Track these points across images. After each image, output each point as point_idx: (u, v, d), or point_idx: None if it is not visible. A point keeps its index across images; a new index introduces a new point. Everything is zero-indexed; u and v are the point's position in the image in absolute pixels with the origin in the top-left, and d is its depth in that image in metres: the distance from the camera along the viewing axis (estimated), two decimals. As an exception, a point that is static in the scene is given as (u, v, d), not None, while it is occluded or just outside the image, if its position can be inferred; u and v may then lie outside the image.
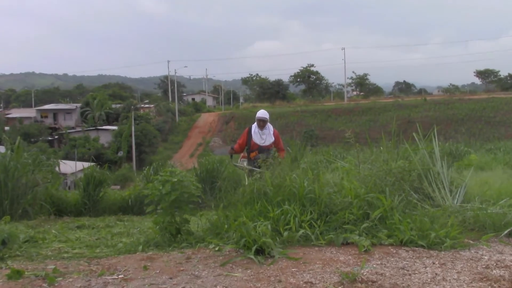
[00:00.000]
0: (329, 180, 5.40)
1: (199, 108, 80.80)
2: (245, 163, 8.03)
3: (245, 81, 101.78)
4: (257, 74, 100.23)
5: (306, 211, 4.70)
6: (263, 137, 7.84)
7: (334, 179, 5.48)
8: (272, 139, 7.84)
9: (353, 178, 5.46)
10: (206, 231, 4.95)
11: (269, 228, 4.34)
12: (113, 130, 58.42)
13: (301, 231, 4.42)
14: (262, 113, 7.93)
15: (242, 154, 8.31)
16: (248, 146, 7.92)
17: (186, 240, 4.78)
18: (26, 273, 3.75)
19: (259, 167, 6.93)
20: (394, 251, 4.16)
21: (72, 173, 22.75)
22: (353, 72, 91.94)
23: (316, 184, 5.03)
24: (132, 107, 58.64)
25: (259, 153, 7.65)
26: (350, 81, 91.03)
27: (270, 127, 7.96)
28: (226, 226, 4.71)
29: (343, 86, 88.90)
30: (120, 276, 3.70)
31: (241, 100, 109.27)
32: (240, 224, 4.35)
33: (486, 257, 4.08)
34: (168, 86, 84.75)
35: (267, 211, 4.75)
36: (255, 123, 8.02)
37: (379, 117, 58.40)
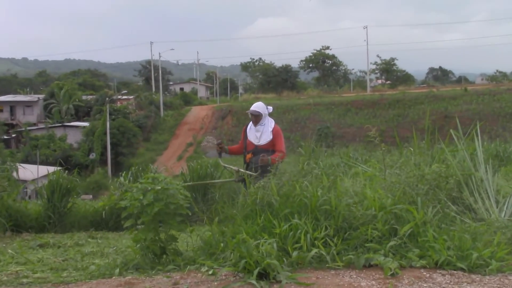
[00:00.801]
0: (348, 188, 5.40)
1: (189, 100, 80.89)
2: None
3: (245, 67, 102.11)
4: (260, 59, 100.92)
5: (320, 226, 4.70)
6: (257, 134, 7.69)
7: (355, 187, 5.48)
8: (269, 137, 7.63)
9: (378, 185, 5.46)
10: (197, 251, 4.96)
11: (274, 247, 4.34)
12: (84, 127, 58.49)
13: (314, 250, 4.42)
14: (254, 106, 7.81)
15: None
16: (244, 146, 7.84)
17: (173, 261, 4.78)
18: (-23, 301, 3.76)
19: (256, 171, 6.93)
20: (427, 275, 4.16)
21: (34, 180, 22.75)
22: (378, 56, 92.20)
23: (333, 193, 5.03)
24: (107, 99, 58.66)
25: (254, 155, 7.51)
26: (374, 67, 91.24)
27: (269, 122, 7.75)
28: (222, 244, 4.72)
29: (366, 73, 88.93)
30: (92, 305, 3.71)
31: (240, 91, 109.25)
32: (239, 242, 4.35)
33: (540, 283, 4.07)
34: (151, 73, 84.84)
35: (272, 226, 4.75)
36: None
37: (409, 111, 58.41)
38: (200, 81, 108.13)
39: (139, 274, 4.59)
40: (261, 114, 7.70)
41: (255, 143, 7.65)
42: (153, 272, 4.59)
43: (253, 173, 6.84)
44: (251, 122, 7.83)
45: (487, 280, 4.08)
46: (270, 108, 7.89)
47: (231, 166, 7.92)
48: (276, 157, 6.99)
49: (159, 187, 4.85)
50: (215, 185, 10.32)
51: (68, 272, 5.17)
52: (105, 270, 4.87)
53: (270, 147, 7.54)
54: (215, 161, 11.55)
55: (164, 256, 4.92)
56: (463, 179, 5.90)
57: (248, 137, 7.77)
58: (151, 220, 4.81)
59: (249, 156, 7.63)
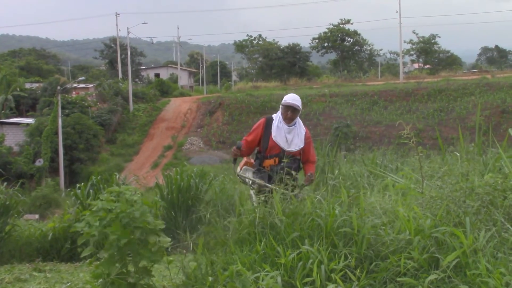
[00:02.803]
0: (374, 205, 5.42)
1: (166, 89, 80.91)
2: (249, 174, 7.71)
3: (240, 46, 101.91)
4: (260, 36, 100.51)
5: (337, 255, 4.71)
6: (289, 137, 7.59)
7: (383, 204, 5.49)
8: (302, 143, 7.61)
9: (413, 202, 5.46)
10: (178, 287, 4.96)
11: (278, 282, 4.36)
12: (28, 124, 58.30)
13: (330, 286, 4.43)
14: (291, 97, 7.66)
15: (244, 161, 7.94)
16: (264, 148, 7.70)
17: (146, 301, 4.80)
18: None
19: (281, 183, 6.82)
20: (479, 319, 4.16)
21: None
22: (414, 32, 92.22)
23: (354, 211, 5.04)
24: (59, 87, 58.48)
25: (279, 163, 7.38)
26: (408, 46, 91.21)
27: (300, 123, 7.73)
28: (210, 278, 4.73)
29: (398, 55, 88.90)
30: None
31: (234, 77, 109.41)
32: (233, 276, 4.36)
33: None
34: (116, 55, 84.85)
35: (275, 255, 4.77)
36: (279, 113, 7.79)
37: (455, 105, 58.42)
38: (181, 65, 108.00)
39: (101, 317, 4.59)
40: (300, 110, 7.64)
41: (284, 147, 7.53)
42: (120, 315, 4.59)
43: (276, 186, 6.71)
44: (277, 117, 7.72)
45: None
46: None
47: (252, 178, 7.56)
48: (314, 172, 7.05)
49: (119, 210, 4.77)
50: (201, 202, 10.35)
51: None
52: (57, 313, 4.88)
53: (298, 155, 7.54)
54: (201, 169, 11.57)
55: (134, 294, 4.93)
56: (526, 194, 5.91)
57: (274, 137, 7.61)
58: (116, 248, 4.78)
59: (270, 162, 7.50)
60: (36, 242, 10.67)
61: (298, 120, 7.73)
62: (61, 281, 7.57)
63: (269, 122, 7.76)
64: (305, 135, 7.69)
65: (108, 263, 4.85)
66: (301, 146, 7.59)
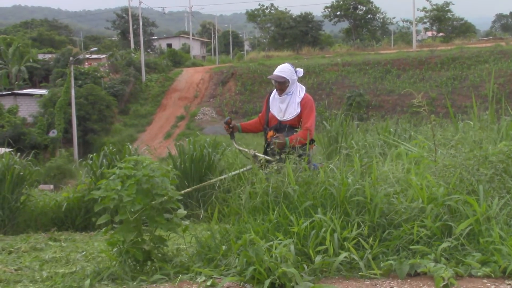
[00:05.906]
0: (387, 174, 5.40)
1: (179, 59, 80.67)
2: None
3: (252, 16, 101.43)
4: (272, 5, 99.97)
5: (350, 223, 4.72)
6: (282, 106, 7.55)
7: (396, 173, 5.47)
8: (296, 110, 7.49)
9: (426, 170, 5.44)
10: (192, 256, 4.98)
11: (292, 250, 4.37)
12: (41, 95, 58.34)
13: (343, 254, 4.44)
14: (278, 69, 7.61)
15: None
16: (266, 120, 7.75)
17: (161, 269, 4.81)
18: None
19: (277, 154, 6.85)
20: (492, 286, 4.16)
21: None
22: (427, 0, 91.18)
23: (367, 180, 5.03)
24: (71, 58, 58.34)
25: (277, 133, 7.41)
26: (421, 14, 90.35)
27: (297, 91, 7.60)
28: (223, 247, 4.74)
29: (411, 23, 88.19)
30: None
31: (246, 47, 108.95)
32: (246, 244, 4.37)
33: None
34: (128, 25, 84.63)
35: (288, 224, 4.78)
36: None
37: (468, 73, 57.94)
38: (193, 35, 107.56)
39: (116, 286, 4.61)
40: (288, 80, 7.51)
41: (279, 118, 7.52)
42: (135, 283, 4.60)
43: (272, 158, 6.74)
44: (275, 90, 7.73)
45: None
46: (300, 72, 7.66)
47: (246, 149, 7.65)
48: (295, 138, 6.82)
49: (141, 174, 4.82)
50: (215, 172, 10.34)
51: (22, 285, 5.20)
52: (72, 282, 4.88)
53: (298, 123, 7.40)
54: (214, 139, 11.56)
55: (149, 263, 4.94)
56: (540, 161, 5.87)
57: (271, 109, 7.66)
58: (133, 217, 4.78)
59: (270, 133, 7.45)
60: (51, 212, 10.72)
61: (296, 89, 7.62)
62: (76, 250, 7.62)
63: (270, 94, 7.81)
64: (300, 102, 7.56)
65: (123, 231, 4.85)
66: (295, 114, 7.47)
